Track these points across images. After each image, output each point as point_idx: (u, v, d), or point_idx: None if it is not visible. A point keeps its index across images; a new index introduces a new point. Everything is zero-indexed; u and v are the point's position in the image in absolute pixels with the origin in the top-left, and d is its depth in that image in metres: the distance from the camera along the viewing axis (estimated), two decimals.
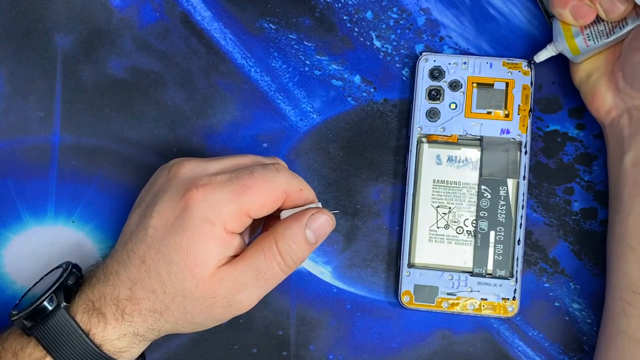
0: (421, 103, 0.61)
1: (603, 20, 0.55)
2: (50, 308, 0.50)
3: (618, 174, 0.55)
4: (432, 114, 0.60)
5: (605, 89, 0.56)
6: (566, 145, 0.61)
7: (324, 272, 0.62)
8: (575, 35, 0.56)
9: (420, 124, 0.60)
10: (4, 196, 0.62)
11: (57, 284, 0.51)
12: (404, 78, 0.62)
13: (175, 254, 0.49)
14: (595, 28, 0.55)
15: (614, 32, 0.54)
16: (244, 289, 0.51)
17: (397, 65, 0.62)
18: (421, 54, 0.61)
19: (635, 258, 0.53)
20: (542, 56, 0.58)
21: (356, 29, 0.62)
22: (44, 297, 0.50)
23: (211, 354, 0.61)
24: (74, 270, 0.53)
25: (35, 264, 0.61)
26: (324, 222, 0.52)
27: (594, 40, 0.55)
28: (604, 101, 0.56)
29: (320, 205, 0.53)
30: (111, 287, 0.51)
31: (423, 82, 0.61)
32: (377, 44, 0.62)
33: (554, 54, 0.58)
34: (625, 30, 0.54)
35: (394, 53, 0.62)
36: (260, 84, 0.62)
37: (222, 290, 0.50)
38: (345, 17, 0.62)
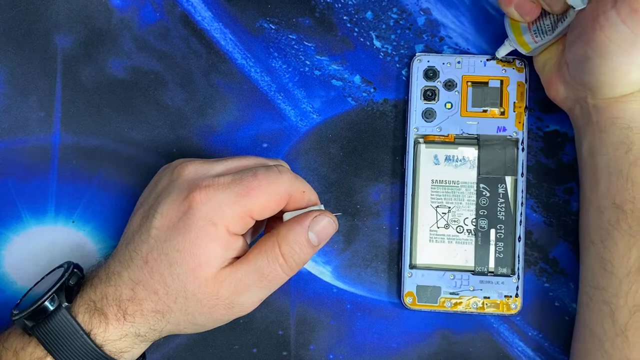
0: (416, 104, 0.61)
1: (548, 15, 0.55)
2: (51, 308, 0.50)
3: (580, 164, 0.56)
4: (428, 115, 0.60)
5: (557, 79, 0.56)
6: (566, 145, 0.61)
7: (324, 272, 0.62)
8: (524, 31, 0.56)
9: (416, 124, 0.60)
10: (4, 196, 0.62)
11: (58, 284, 0.51)
12: (403, 78, 0.62)
13: (178, 255, 0.50)
14: (542, 23, 0.55)
15: (557, 26, 0.54)
16: (246, 291, 0.51)
17: (397, 65, 0.62)
18: (415, 55, 0.61)
19: (595, 252, 0.53)
20: (502, 52, 0.59)
21: (356, 29, 0.62)
22: (45, 297, 0.50)
23: (211, 354, 0.61)
24: (75, 270, 0.53)
25: (35, 264, 0.61)
26: (326, 225, 0.52)
27: (540, 36, 0.56)
28: (558, 91, 0.56)
29: (322, 207, 0.54)
30: (113, 287, 0.51)
31: (418, 83, 0.61)
32: (377, 44, 0.62)
33: (511, 49, 0.58)
34: (565, 24, 0.54)
35: (394, 53, 0.62)
36: (260, 84, 0.62)
37: (224, 291, 0.50)
38: (345, 17, 0.62)
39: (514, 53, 0.59)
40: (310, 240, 0.51)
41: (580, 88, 0.53)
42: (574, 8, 0.51)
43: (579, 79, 0.53)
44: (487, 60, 0.60)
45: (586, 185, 0.55)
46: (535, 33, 0.56)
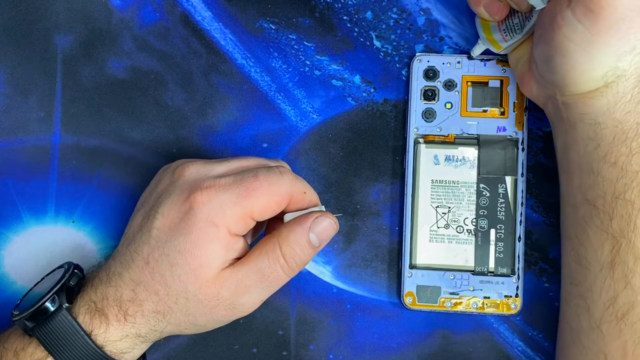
0: (416, 104, 0.61)
1: (517, 13, 0.55)
2: (52, 309, 0.50)
3: (557, 160, 0.56)
4: (428, 115, 0.60)
5: (529, 77, 0.56)
6: None
7: (324, 272, 0.62)
8: (493, 30, 0.57)
9: (416, 124, 0.60)
10: (4, 196, 0.62)
11: (59, 285, 0.51)
12: (403, 78, 0.62)
13: (179, 256, 0.50)
14: (510, 22, 0.55)
15: (525, 25, 0.54)
16: (247, 292, 0.51)
17: (397, 65, 0.62)
18: (415, 55, 0.61)
19: (571, 248, 0.53)
20: (476, 51, 0.59)
21: (356, 29, 0.62)
22: (46, 298, 0.50)
23: (211, 354, 0.61)
24: (75, 271, 0.53)
25: (35, 264, 0.61)
26: (327, 226, 0.52)
27: (510, 34, 0.56)
28: (531, 88, 0.56)
29: (323, 208, 0.54)
30: (114, 288, 0.51)
31: (418, 83, 0.61)
32: (377, 44, 0.62)
33: (485, 48, 0.59)
34: (532, 22, 0.54)
35: (394, 53, 0.62)
36: (260, 84, 0.62)
37: (225, 292, 0.50)
38: (345, 17, 0.62)
39: (490, 53, 0.59)
40: (311, 241, 0.51)
41: (549, 85, 0.53)
42: (535, 8, 0.51)
43: (546, 77, 0.53)
44: (469, 58, 0.60)
45: (562, 181, 0.55)
46: (505, 32, 0.56)
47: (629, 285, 0.49)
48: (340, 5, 0.62)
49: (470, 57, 0.60)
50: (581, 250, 0.52)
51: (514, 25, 0.55)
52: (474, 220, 0.60)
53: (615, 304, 0.50)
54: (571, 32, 0.48)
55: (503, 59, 0.60)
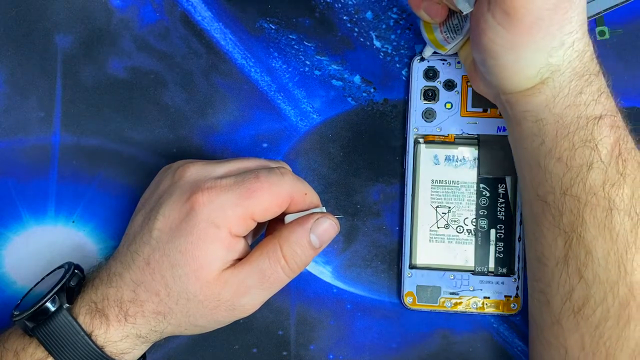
0: (416, 104, 0.61)
1: (456, 14, 0.55)
2: (52, 309, 0.50)
3: (513, 156, 0.56)
4: (428, 115, 0.60)
5: (476, 76, 0.56)
6: None
7: (324, 272, 0.62)
8: (435, 32, 0.57)
9: (416, 124, 0.60)
10: (4, 196, 0.62)
11: (59, 285, 0.51)
12: (403, 78, 0.62)
13: (180, 257, 0.50)
14: (451, 22, 0.56)
15: (463, 26, 0.55)
16: (247, 293, 0.51)
17: (397, 65, 0.62)
18: (415, 55, 0.61)
19: (529, 245, 0.54)
20: (426, 52, 0.60)
21: (356, 29, 0.62)
22: (46, 298, 0.50)
23: (211, 354, 0.62)
24: (76, 271, 0.53)
25: (35, 264, 0.61)
26: (328, 227, 0.52)
27: (451, 35, 0.56)
28: (480, 87, 0.57)
29: (324, 209, 0.54)
30: (114, 288, 0.51)
31: (418, 83, 0.61)
32: (377, 44, 0.62)
33: (433, 49, 0.59)
34: (468, 24, 0.54)
35: (394, 53, 0.62)
36: (260, 84, 0.62)
37: (225, 293, 0.50)
38: (345, 17, 0.62)
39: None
40: (312, 243, 0.52)
41: (491, 85, 0.54)
42: (462, 12, 0.51)
43: (486, 77, 0.53)
44: (419, 61, 0.60)
45: (519, 178, 0.56)
46: (446, 33, 0.56)
47: (583, 279, 0.50)
48: (340, 5, 0.62)
49: (422, 59, 0.60)
50: (538, 247, 0.53)
51: (454, 26, 0.56)
52: (474, 220, 0.60)
53: (572, 298, 0.50)
54: (495, 36, 0.48)
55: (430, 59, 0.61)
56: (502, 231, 0.60)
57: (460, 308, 0.59)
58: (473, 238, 0.60)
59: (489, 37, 0.49)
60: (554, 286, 0.52)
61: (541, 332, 0.53)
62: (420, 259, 0.60)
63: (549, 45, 0.48)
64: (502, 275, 0.60)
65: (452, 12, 0.55)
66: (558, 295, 0.51)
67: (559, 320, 0.51)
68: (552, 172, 0.51)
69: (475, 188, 0.60)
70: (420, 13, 0.56)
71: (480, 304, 0.59)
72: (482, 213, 0.60)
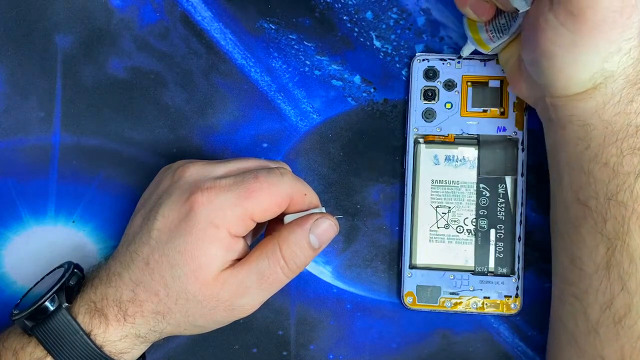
0: (416, 104, 0.61)
1: (503, 13, 0.54)
2: (51, 308, 0.50)
3: (548, 159, 0.55)
4: (428, 115, 0.60)
5: (519, 77, 0.56)
6: None
7: (324, 272, 0.62)
8: (480, 31, 0.56)
9: (416, 124, 0.60)
10: (4, 196, 0.62)
11: (59, 284, 0.51)
12: (403, 78, 0.62)
13: (179, 257, 0.50)
14: (497, 22, 0.55)
15: (511, 25, 0.54)
16: (247, 293, 0.51)
17: (397, 65, 0.62)
18: (415, 55, 0.61)
19: (564, 246, 0.53)
20: (465, 51, 0.59)
21: (356, 29, 0.62)
22: (45, 298, 0.50)
23: (211, 354, 0.61)
24: (75, 270, 0.53)
25: (35, 264, 0.61)
26: (327, 228, 0.52)
27: (497, 34, 0.55)
28: (521, 88, 0.56)
29: (324, 210, 0.54)
30: (114, 288, 0.51)
31: (418, 83, 0.61)
32: (377, 44, 0.62)
33: (474, 48, 0.58)
34: (517, 23, 0.53)
35: (394, 53, 0.62)
36: (260, 84, 0.62)
37: (225, 293, 0.50)
38: (345, 17, 0.62)
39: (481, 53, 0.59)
40: (311, 243, 0.51)
41: (538, 87, 0.53)
42: (518, 10, 0.51)
43: (534, 78, 0.53)
44: (458, 59, 0.60)
45: (553, 179, 0.55)
46: (492, 32, 0.56)
47: (625, 288, 0.49)
48: (340, 5, 0.62)
49: (460, 57, 0.60)
50: (575, 250, 0.52)
51: (500, 26, 0.55)
52: (474, 220, 0.60)
53: (612, 307, 0.49)
54: (555, 36, 0.48)
55: (468, 58, 0.60)
56: (502, 231, 0.60)
57: (460, 308, 0.59)
58: (473, 238, 0.60)
59: (549, 37, 0.48)
60: (592, 293, 0.50)
61: (573, 338, 0.52)
62: (420, 259, 0.60)
63: (607, 50, 0.48)
64: (502, 275, 0.60)
65: (500, 11, 0.54)
66: (597, 303, 0.50)
67: (596, 329, 0.50)
68: (596, 177, 0.50)
69: (475, 188, 0.60)
70: (466, 10, 0.55)
71: (480, 304, 0.59)
72: (482, 213, 0.60)
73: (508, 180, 0.60)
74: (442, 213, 0.60)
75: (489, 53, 0.58)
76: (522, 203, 0.59)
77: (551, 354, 0.55)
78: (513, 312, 0.59)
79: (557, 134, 0.53)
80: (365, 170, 0.62)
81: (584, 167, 0.51)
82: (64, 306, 0.51)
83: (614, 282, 0.49)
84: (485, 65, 0.60)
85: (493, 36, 0.56)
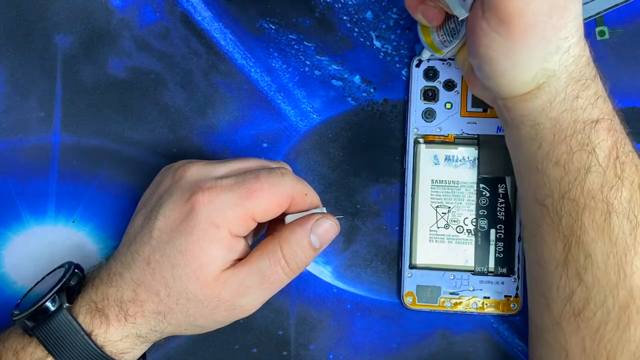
0: (416, 104, 0.61)
1: (452, 18, 0.55)
2: (52, 308, 0.50)
3: (511, 160, 0.56)
4: (428, 115, 0.60)
5: (474, 79, 0.56)
6: None
7: (324, 272, 0.62)
8: (433, 36, 0.57)
9: (416, 124, 0.61)
10: (4, 196, 0.62)
11: (59, 285, 0.51)
12: (403, 78, 0.62)
13: (180, 257, 0.50)
14: (447, 27, 0.56)
15: (460, 30, 0.55)
16: (247, 293, 0.51)
17: (397, 65, 0.62)
18: (415, 55, 0.61)
19: (528, 247, 0.55)
20: (424, 55, 0.60)
21: (356, 29, 0.62)
22: (46, 298, 0.50)
23: (211, 354, 0.62)
24: (76, 270, 0.53)
25: (35, 264, 0.61)
26: (328, 228, 0.52)
27: (448, 38, 0.56)
28: (476, 89, 0.57)
29: (325, 210, 0.54)
30: (114, 288, 0.51)
31: (418, 83, 0.61)
32: (377, 44, 0.62)
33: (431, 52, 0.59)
34: (464, 28, 0.54)
35: (394, 53, 0.62)
36: (260, 84, 0.62)
37: (225, 293, 0.50)
38: (345, 17, 0.62)
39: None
40: (312, 243, 0.52)
41: (488, 89, 0.53)
42: (458, 17, 0.51)
43: (483, 82, 0.53)
44: (416, 65, 0.60)
45: (517, 181, 0.56)
46: (443, 36, 0.56)
47: (583, 282, 0.50)
48: (340, 5, 0.62)
49: (420, 61, 0.60)
50: (538, 250, 0.53)
51: (451, 30, 0.55)
52: (474, 220, 0.60)
53: (572, 301, 0.51)
54: (491, 42, 0.48)
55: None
56: (502, 231, 0.60)
57: (460, 308, 0.59)
58: (473, 238, 0.60)
59: (485, 43, 0.49)
60: (554, 289, 0.52)
61: (541, 334, 0.54)
62: (420, 259, 0.60)
63: (544, 50, 0.48)
64: (502, 275, 0.60)
65: (449, 16, 0.55)
66: (558, 299, 0.51)
67: (559, 323, 0.52)
68: (550, 175, 0.51)
69: (475, 188, 0.60)
70: (417, 16, 0.56)
71: (480, 304, 0.59)
72: (482, 213, 0.60)
73: (508, 180, 0.60)
74: (442, 213, 0.60)
75: (444, 57, 0.59)
76: None
77: (529, 354, 0.57)
78: (513, 312, 0.59)
79: (514, 135, 0.53)
80: (365, 170, 0.62)
81: (538, 166, 0.52)
82: (64, 306, 0.51)
83: (572, 278, 0.51)
84: None
85: (445, 40, 0.56)
